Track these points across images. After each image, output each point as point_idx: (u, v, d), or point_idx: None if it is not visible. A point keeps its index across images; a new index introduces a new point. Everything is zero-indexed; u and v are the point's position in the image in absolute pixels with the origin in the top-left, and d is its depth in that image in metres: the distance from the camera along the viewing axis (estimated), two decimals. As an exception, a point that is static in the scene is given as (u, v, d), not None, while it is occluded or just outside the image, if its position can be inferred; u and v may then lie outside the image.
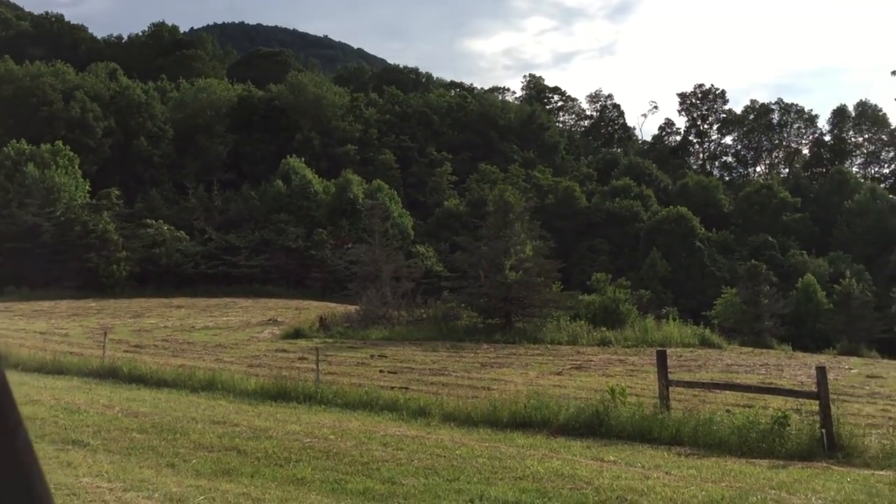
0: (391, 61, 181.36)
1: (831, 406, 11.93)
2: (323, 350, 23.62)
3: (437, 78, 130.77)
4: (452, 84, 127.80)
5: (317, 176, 73.34)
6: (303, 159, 74.31)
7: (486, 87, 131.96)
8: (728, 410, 14.15)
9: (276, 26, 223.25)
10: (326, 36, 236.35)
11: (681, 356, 27.29)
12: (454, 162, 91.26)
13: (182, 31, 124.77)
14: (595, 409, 13.42)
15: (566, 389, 18.04)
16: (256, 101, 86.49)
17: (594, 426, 13.10)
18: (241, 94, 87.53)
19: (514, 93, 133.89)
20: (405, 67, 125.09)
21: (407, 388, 17.90)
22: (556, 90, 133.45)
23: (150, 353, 25.04)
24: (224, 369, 20.92)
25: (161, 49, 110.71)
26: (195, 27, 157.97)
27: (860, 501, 8.43)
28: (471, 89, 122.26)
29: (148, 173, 76.45)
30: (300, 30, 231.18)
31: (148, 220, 62.97)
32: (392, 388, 17.92)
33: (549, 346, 30.03)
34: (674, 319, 37.66)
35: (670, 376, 15.48)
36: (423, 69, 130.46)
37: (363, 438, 11.37)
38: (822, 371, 12.36)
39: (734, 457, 11.29)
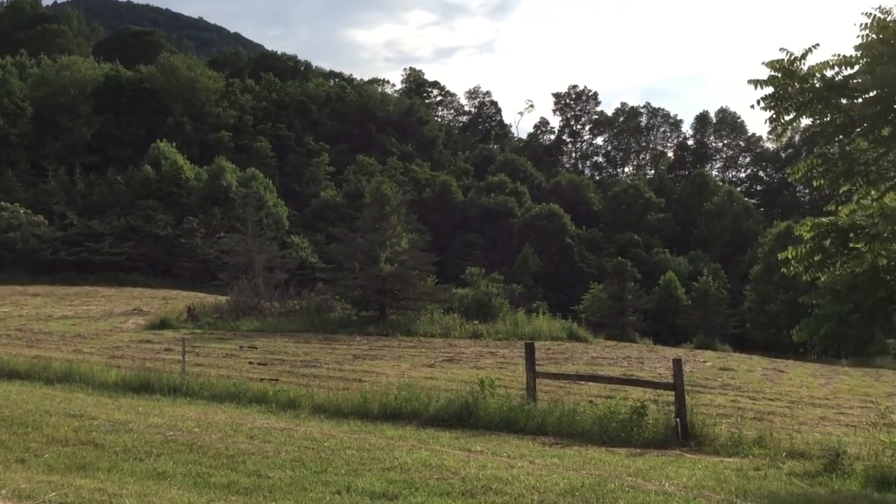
0: (269, 47, 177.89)
1: (686, 397, 12.57)
2: (190, 341, 22.95)
3: (316, 67, 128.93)
4: (332, 74, 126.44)
5: (188, 162, 70.92)
6: (174, 144, 71.63)
7: (367, 79, 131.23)
8: (591, 401, 14.68)
9: (147, 5, 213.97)
10: (202, 18, 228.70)
11: (549, 349, 28.07)
12: (332, 152, 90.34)
13: (44, 5, 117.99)
14: (464, 400, 13.63)
15: (437, 381, 18.24)
16: (125, 82, 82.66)
17: (463, 417, 13.31)
18: (108, 73, 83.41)
19: (393, 85, 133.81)
20: (284, 55, 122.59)
21: (277, 380, 17.64)
22: (435, 85, 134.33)
23: (0, 344, 23.61)
24: (83, 360, 19.99)
25: (21, 22, 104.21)
26: (59, 1, 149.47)
27: (709, 487, 8.92)
28: (350, 80, 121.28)
29: (4, 153, 71.76)
30: (173, 10, 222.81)
31: (2, 203, 59.25)
32: (262, 379, 17.61)
33: (422, 338, 30.24)
34: (544, 313, 38.68)
35: (538, 368, 15.89)
36: (302, 57, 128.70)
37: (229, 431, 11.12)
38: (677, 363, 13.00)
39: (595, 445, 11.73)
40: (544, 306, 45.91)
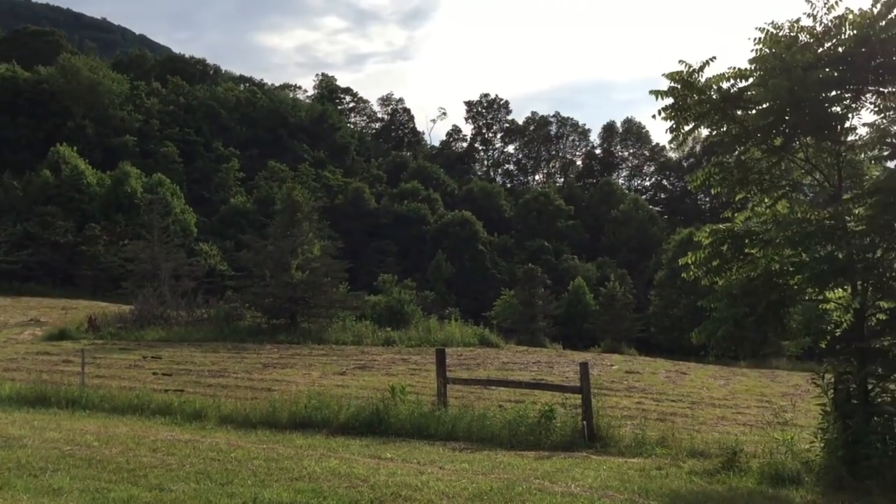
0: (177, 50, 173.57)
1: (592, 400, 12.83)
2: (91, 352, 22.16)
3: (225, 71, 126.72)
4: (242, 78, 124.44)
5: (90, 167, 68.52)
6: (75, 148, 69.09)
7: (278, 84, 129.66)
8: (501, 406, 14.83)
9: (47, 4, 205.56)
10: (105, 18, 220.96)
11: (461, 355, 28.25)
12: (242, 158, 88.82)
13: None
14: (375, 407, 13.57)
15: (349, 389, 18.11)
16: (22, 84, 79.32)
17: (374, 425, 13.24)
18: (4, 74, 79.91)
19: (305, 91, 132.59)
20: (192, 58, 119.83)
21: (182, 391, 17.19)
22: (348, 91, 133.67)
23: None
24: (-26, 374, 19.02)
25: None
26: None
27: (613, 487, 9.13)
28: (261, 85, 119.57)
29: None
30: (75, 10, 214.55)
31: None
32: (166, 390, 17.14)
33: (334, 346, 30.00)
34: (456, 320, 38.88)
35: (449, 375, 15.96)
36: (211, 61, 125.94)
37: (131, 444, 10.77)
38: (584, 367, 13.27)
39: (505, 449, 11.84)
40: (457, 312, 46.16)
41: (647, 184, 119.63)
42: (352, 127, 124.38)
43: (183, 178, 78.75)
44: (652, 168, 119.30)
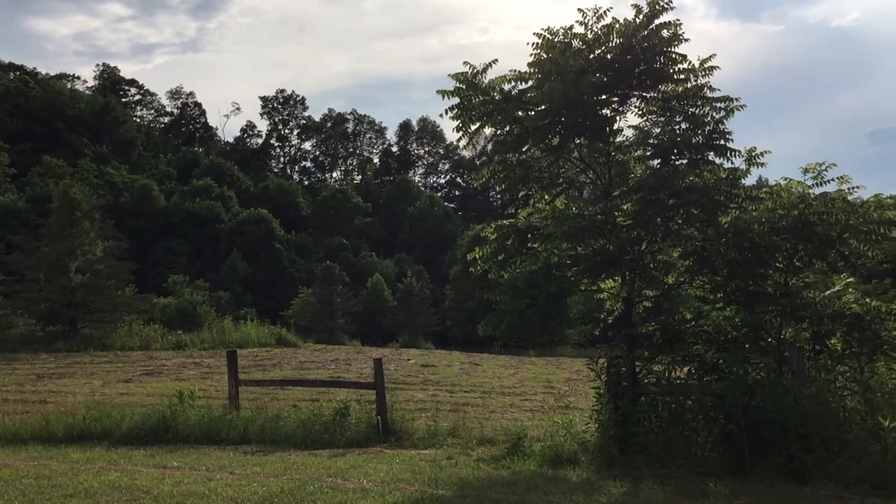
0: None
1: (386, 395, 12.99)
2: None
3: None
4: (12, 66, 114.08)
5: None
6: None
7: (53, 73, 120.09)
8: (295, 406, 14.64)
9: None
10: None
11: (257, 356, 27.69)
12: (13, 153, 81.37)
13: None
14: (162, 415, 12.98)
15: (134, 397, 17.18)
16: None
17: (160, 433, 12.66)
18: None
19: (85, 82, 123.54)
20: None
21: (-60, 409, 15.53)
22: (133, 83, 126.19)
23: None
24: None
25: None
26: None
27: (405, 479, 9.29)
28: (34, 74, 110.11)
29: None
30: None
31: None
32: (-80, 410, 15.41)
33: (119, 352, 28.37)
34: (252, 320, 38.04)
35: (243, 376, 15.58)
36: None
37: None
38: (378, 363, 13.40)
39: (299, 450, 11.70)
40: (253, 313, 45.11)
41: (443, 181, 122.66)
42: (138, 121, 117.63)
43: (-59, 173, 71.21)
44: (447, 166, 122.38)
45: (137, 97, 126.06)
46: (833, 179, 10.39)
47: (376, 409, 12.77)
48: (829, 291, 10.34)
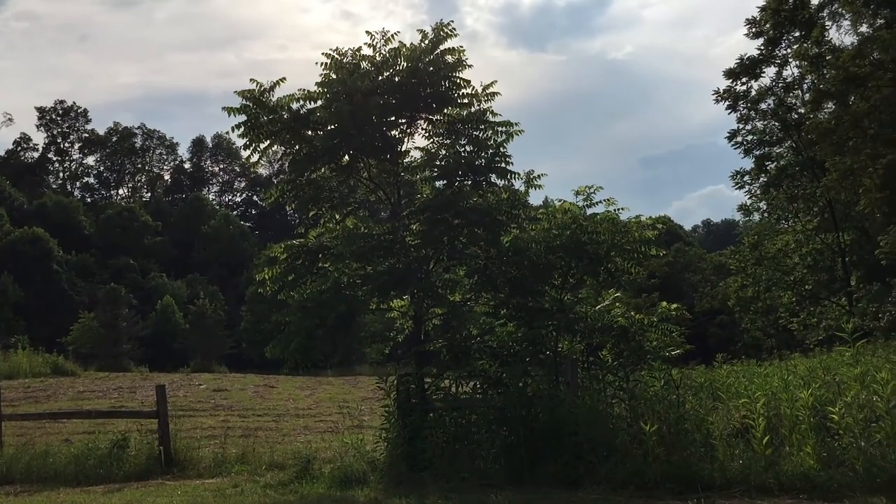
0: None
1: (170, 423, 12.37)
2: None
3: None
4: None
5: None
6: None
7: None
8: (67, 440, 13.62)
9: None
10: None
11: (29, 387, 25.55)
12: None
13: None
14: None
15: None
16: None
17: None
18: None
19: None
20: None
21: None
22: None
23: None
24: None
25: None
26: None
27: (186, 512, 8.88)
28: None
29: None
30: None
31: None
32: None
33: None
34: (24, 348, 35.02)
35: (8, 411, 14.31)
36: None
37: None
38: (161, 390, 12.75)
39: (70, 487, 10.88)
40: (25, 340, 41.51)
41: (239, 199, 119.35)
42: None
43: None
44: (243, 184, 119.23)
45: None
46: (601, 201, 11.19)
47: (159, 439, 12.14)
48: (598, 306, 11.09)
